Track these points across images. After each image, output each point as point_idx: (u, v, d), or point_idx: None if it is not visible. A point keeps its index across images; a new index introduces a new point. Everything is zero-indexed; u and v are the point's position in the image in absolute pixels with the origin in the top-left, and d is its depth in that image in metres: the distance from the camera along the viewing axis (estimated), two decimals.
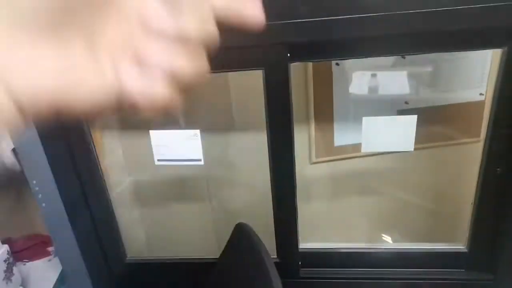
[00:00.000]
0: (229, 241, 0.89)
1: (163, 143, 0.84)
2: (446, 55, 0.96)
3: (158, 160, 0.86)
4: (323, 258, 0.98)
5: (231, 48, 0.72)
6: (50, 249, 1.17)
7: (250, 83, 1.02)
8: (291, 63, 0.74)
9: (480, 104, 1.01)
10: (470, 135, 1.06)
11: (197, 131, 0.83)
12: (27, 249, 1.15)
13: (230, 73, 0.95)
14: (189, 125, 0.88)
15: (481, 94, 1.01)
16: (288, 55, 0.73)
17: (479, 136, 1.05)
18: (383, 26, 0.66)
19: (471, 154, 1.05)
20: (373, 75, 1.00)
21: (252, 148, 1.09)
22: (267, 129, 0.80)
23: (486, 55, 0.96)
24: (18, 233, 1.19)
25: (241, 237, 0.84)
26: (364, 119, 0.81)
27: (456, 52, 0.95)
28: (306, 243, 0.98)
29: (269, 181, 1.08)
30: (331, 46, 0.74)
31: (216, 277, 0.91)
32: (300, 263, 0.95)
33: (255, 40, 0.70)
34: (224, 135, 1.08)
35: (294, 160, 0.84)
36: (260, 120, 1.06)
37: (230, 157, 1.11)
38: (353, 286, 0.97)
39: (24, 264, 1.11)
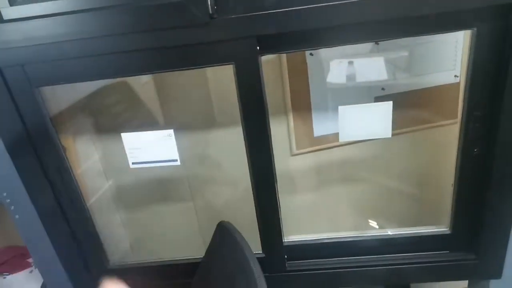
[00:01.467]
0: (212, 241, 0.88)
1: (136, 145, 0.82)
2: (419, 39, 0.95)
3: (133, 163, 0.84)
4: (308, 250, 0.98)
5: (200, 44, 0.70)
6: (30, 260, 1.14)
7: (223, 78, 1.00)
8: (261, 55, 0.72)
9: (455, 86, 1.02)
10: (447, 117, 1.06)
11: (171, 131, 0.80)
12: (6, 262, 1.11)
13: (202, 69, 0.93)
14: (163, 125, 0.86)
15: (455, 76, 1.01)
16: (258, 47, 0.71)
17: (456, 117, 1.06)
18: (354, 13, 0.65)
19: (449, 136, 1.05)
20: (349, 63, 0.99)
21: (230, 144, 1.07)
22: (242, 123, 0.78)
23: (459, 37, 0.96)
24: None
25: (224, 235, 0.83)
26: (340, 108, 0.81)
27: (429, 36, 0.95)
28: (291, 236, 0.97)
29: (245, 178, 1.08)
30: (300, 36, 0.73)
31: (201, 277, 0.90)
32: (285, 256, 0.95)
33: (224, 34, 0.68)
34: (200, 132, 1.06)
35: (272, 153, 0.83)
36: (236, 115, 1.05)
37: (209, 154, 1.09)
38: (340, 275, 0.97)
39: (4, 278, 1.08)
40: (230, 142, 1.07)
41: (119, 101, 1.02)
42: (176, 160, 0.83)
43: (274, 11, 0.66)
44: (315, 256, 0.97)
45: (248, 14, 0.67)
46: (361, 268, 0.96)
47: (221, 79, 1.01)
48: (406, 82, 1.01)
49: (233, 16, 0.67)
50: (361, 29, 0.72)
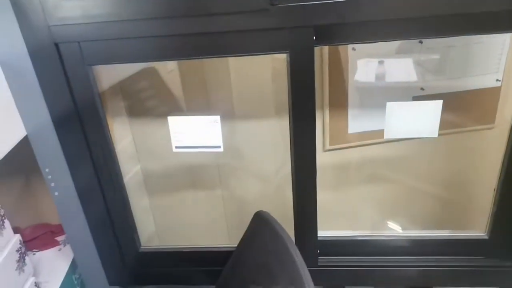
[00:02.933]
0: (247, 230, 0.88)
1: (181, 130, 0.82)
2: (462, 40, 0.94)
3: (176, 147, 0.84)
4: (340, 246, 0.97)
5: (257, 31, 0.70)
6: (59, 238, 1.15)
7: (267, 70, 0.99)
8: (317, 46, 0.72)
9: (496, 90, 1.00)
10: (484, 121, 1.04)
11: (217, 117, 0.80)
12: (35, 238, 1.12)
13: (249, 59, 0.93)
14: (208, 111, 0.86)
15: (497, 80, 1.00)
16: (314, 38, 0.70)
17: (493, 122, 1.04)
18: (414, 7, 0.64)
19: (485, 141, 1.04)
20: (389, 61, 0.98)
21: (265, 137, 1.07)
22: (289, 114, 0.78)
23: (503, 40, 0.94)
24: (26, 222, 1.17)
25: (261, 225, 0.83)
26: (388, 104, 0.80)
27: (473, 37, 0.93)
28: (324, 231, 0.97)
29: (282, 170, 1.07)
30: (355, 28, 0.72)
31: (234, 265, 0.90)
32: (318, 251, 0.94)
33: (282, 22, 0.68)
34: (236, 122, 1.06)
35: (315, 147, 0.82)
36: (272, 108, 1.04)
37: (243, 145, 1.09)
38: (371, 273, 0.96)
39: (34, 254, 1.09)
40: (264, 135, 1.07)
41: (157, 84, 1.02)
42: (220, 147, 0.83)
43: (334, 1, 0.66)
44: (346, 252, 0.97)
45: (308, 3, 0.66)
46: (392, 268, 0.96)
47: (260, 70, 1.01)
48: (445, 83, 1.00)
49: (292, 4, 0.66)
50: (411, 25, 0.71)
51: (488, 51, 0.96)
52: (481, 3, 0.65)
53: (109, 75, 0.96)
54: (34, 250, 1.11)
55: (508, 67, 0.95)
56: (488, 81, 1.00)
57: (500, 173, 0.83)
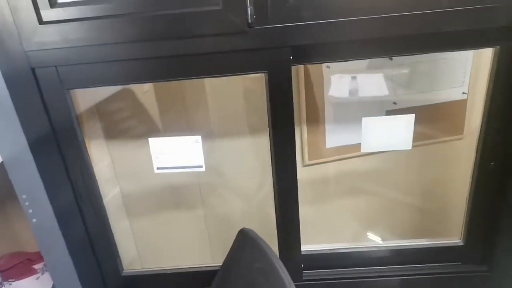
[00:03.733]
0: (232, 248, 0.88)
1: (162, 151, 0.82)
2: (430, 56, 0.99)
3: (158, 168, 0.84)
4: (324, 260, 0.98)
5: (235, 52, 0.71)
6: (37, 266, 1.11)
7: (246, 88, 1.01)
8: (293, 65, 0.74)
9: (463, 102, 1.05)
10: (454, 132, 1.09)
11: (199, 137, 0.81)
12: (12, 267, 1.09)
13: (225, 79, 0.94)
14: (186, 131, 0.86)
15: (463, 93, 1.05)
16: (291, 57, 0.73)
17: (462, 133, 1.09)
18: (387, 28, 0.68)
19: (456, 150, 1.08)
20: (362, 77, 1.02)
21: (245, 154, 1.08)
22: (269, 131, 0.79)
23: (467, 56, 1.00)
24: (1, 251, 1.13)
25: (245, 243, 0.83)
26: (364, 119, 0.83)
27: (440, 54, 0.98)
28: (306, 245, 0.98)
29: (264, 187, 1.08)
30: (329, 48, 0.75)
31: (221, 285, 0.90)
32: (302, 265, 0.95)
33: (260, 43, 0.70)
34: (214, 141, 1.06)
35: (295, 162, 0.84)
36: (250, 125, 1.06)
37: (223, 163, 1.10)
38: (354, 285, 0.98)
39: (10, 284, 1.05)
40: (244, 152, 1.08)
41: (134, 106, 1.02)
42: (202, 167, 0.83)
43: (310, 22, 0.69)
44: (330, 266, 0.98)
45: (285, 25, 0.68)
46: (374, 278, 0.97)
47: (236, 89, 1.02)
48: (416, 97, 1.05)
49: (270, 26, 0.69)
50: (386, 44, 0.74)
51: (454, 66, 1.02)
52: (446, 24, 0.69)
53: (85, 98, 0.95)
54: (10, 279, 1.07)
55: (472, 80, 1.01)
56: (455, 94, 1.05)
57: (471, 182, 0.87)
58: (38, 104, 0.75)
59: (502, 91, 0.75)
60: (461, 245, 0.94)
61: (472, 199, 0.88)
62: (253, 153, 1.09)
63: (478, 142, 0.83)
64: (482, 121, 0.80)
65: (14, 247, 1.14)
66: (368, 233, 1.14)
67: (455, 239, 0.96)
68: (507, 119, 0.78)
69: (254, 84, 0.96)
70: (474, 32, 0.71)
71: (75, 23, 0.68)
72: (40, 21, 0.68)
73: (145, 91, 1.01)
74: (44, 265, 1.08)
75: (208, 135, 1.03)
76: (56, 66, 0.72)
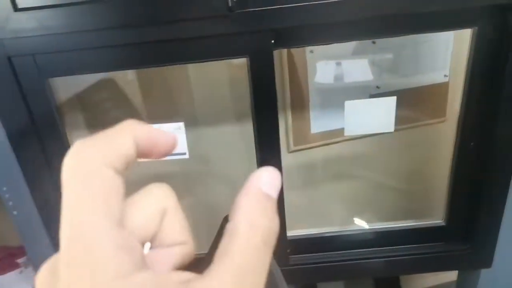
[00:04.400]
0: (218, 234, 0.88)
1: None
2: (411, 40, 1.00)
3: None
4: (310, 244, 1.00)
5: (216, 36, 0.71)
6: (20, 260, 1.10)
7: (230, 74, 1.01)
8: (275, 49, 0.74)
9: (445, 85, 1.07)
10: (436, 115, 1.11)
11: (181, 124, 0.80)
12: None
13: (207, 65, 0.94)
14: (170, 119, 0.85)
15: (445, 75, 1.06)
16: (272, 41, 0.72)
17: (444, 116, 1.11)
18: (369, 8, 0.68)
19: (438, 133, 1.10)
20: (346, 62, 1.02)
21: (230, 141, 1.08)
22: (252, 117, 0.79)
23: (448, 38, 1.01)
24: None
25: None
26: (346, 103, 0.83)
27: (421, 36, 0.99)
28: (292, 231, 0.99)
29: (249, 172, 1.08)
30: (311, 31, 0.75)
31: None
32: (288, 250, 0.96)
33: (240, 27, 0.70)
34: (201, 128, 1.06)
35: (280, 148, 0.84)
36: (238, 112, 1.06)
37: (208, 150, 1.09)
38: (340, 268, 0.99)
39: None
40: (228, 139, 1.08)
41: (116, 94, 1.00)
42: (185, 154, 0.83)
43: (291, 5, 0.68)
44: (316, 250, 0.99)
45: (266, 8, 0.68)
46: (359, 260, 0.99)
47: (220, 76, 1.02)
48: (398, 81, 1.06)
49: (250, 10, 0.68)
50: (367, 26, 0.75)
51: (435, 49, 1.03)
52: (427, 4, 0.69)
53: (65, 87, 0.94)
54: None
55: (453, 63, 1.02)
56: (437, 77, 1.07)
57: (452, 163, 0.89)
58: (16, 94, 0.74)
59: (481, 72, 0.76)
60: (444, 225, 0.96)
61: (452, 179, 0.90)
62: (239, 140, 1.08)
63: (458, 123, 0.85)
64: (462, 102, 0.81)
65: None
66: (354, 217, 1.16)
67: (438, 220, 0.98)
68: (485, 99, 0.79)
69: (239, 70, 0.95)
70: (452, 13, 0.71)
71: (51, 9, 0.66)
72: (15, 8, 0.66)
73: (129, 80, 1.00)
74: (27, 258, 1.07)
75: (192, 123, 1.03)
76: (33, 55, 0.71)
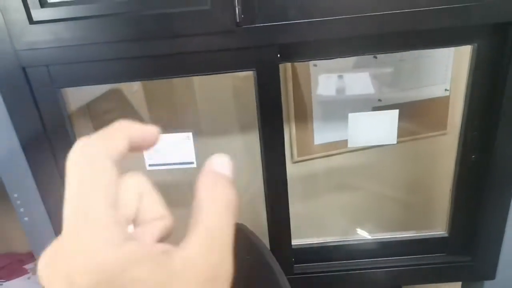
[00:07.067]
0: None
1: (154, 148, 0.83)
2: (412, 54, 1.02)
3: (150, 165, 0.85)
4: (314, 253, 1.01)
5: (224, 50, 0.73)
6: (27, 266, 1.12)
7: (235, 86, 1.03)
8: (281, 63, 0.76)
9: (445, 99, 1.09)
10: (437, 128, 1.13)
11: (190, 134, 0.83)
12: (2, 268, 1.08)
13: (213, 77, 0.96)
14: (176, 129, 0.88)
15: (446, 89, 1.08)
16: (278, 55, 0.75)
17: (445, 129, 1.13)
18: (370, 26, 0.70)
19: (440, 145, 1.12)
20: (348, 76, 1.05)
21: (235, 150, 1.10)
22: (259, 128, 0.81)
23: (449, 53, 1.03)
24: None
25: (238, 237, 0.84)
26: (350, 115, 0.85)
27: (422, 51, 1.02)
28: (296, 240, 1.00)
29: (254, 182, 1.10)
30: (315, 46, 0.77)
31: None
32: (293, 259, 0.97)
33: (247, 42, 0.72)
34: (206, 138, 1.08)
35: (285, 159, 0.86)
36: (244, 122, 1.08)
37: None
38: (344, 277, 1.00)
39: (1, 285, 1.05)
40: (233, 149, 1.10)
41: (125, 104, 1.03)
42: (193, 163, 0.85)
43: (296, 21, 0.71)
44: (320, 259, 1.00)
45: (272, 24, 0.70)
46: (363, 270, 1.00)
47: (226, 87, 1.04)
48: (401, 94, 1.08)
49: (258, 25, 0.70)
50: (369, 42, 0.77)
51: (436, 64, 1.05)
52: (424, 22, 0.72)
53: (76, 97, 0.96)
54: (1, 280, 1.07)
55: (454, 77, 1.04)
56: (438, 91, 1.09)
57: (454, 175, 0.90)
58: (30, 103, 0.76)
59: (480, 87, 0.78)
60: (446, 236, 0.97)
61: (455, 191, 0.91)
62: (243, 151, 1.10)
63: (460, 136, 0.86)
64: (462, 116, 0.83)
65: (4, 248, 1.14)
66: (356, 227, 1.17)
67: (440, 231, 0.99)
68: (485, 114, 0.81)
69: (244, 82, 0.97)
70: (452, 31, 0.74)
71: (65, 22, 0.69)
72: (31, 21, 0.69)
73: (134, 91, 1.02)
74: (35, 264, 1.08)
75: (198, 134, 1.05)
76: (47, 65, 0.73)
